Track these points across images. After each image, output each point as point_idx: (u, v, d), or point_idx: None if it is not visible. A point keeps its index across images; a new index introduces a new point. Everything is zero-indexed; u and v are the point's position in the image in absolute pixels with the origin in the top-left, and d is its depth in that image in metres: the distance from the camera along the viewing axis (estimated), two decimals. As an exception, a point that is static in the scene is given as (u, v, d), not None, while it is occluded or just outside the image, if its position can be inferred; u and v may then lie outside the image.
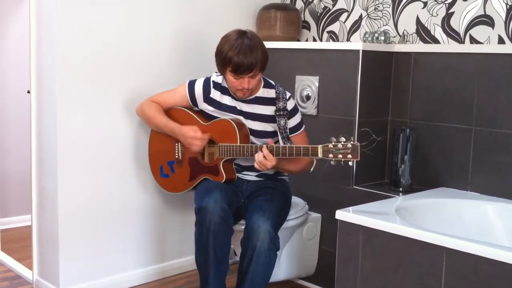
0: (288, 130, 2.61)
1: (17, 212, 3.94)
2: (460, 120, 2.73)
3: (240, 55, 2.45)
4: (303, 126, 2.70)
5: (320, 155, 2.38)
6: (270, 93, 2.65)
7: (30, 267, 3.07)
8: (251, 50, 2.47)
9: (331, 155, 2.36)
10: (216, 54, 2.55)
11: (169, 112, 2.78)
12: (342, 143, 2.34)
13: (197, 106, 2.73)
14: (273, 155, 2.46)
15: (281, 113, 2.61)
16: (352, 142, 2.33)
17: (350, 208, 2.31)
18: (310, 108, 3.05)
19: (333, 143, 2.36)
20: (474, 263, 1.87)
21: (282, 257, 2.88)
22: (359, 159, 2.34)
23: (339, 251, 2.27)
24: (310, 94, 3.04)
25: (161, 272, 3.18)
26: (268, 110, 2.64)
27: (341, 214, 2.25)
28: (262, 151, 2.46)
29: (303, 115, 2.80)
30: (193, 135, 2.61)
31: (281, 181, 2.75)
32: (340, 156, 2.34)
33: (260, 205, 2.52)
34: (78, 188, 2.83)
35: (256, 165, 2.50)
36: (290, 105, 2.64)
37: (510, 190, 2.58)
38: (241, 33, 2.53)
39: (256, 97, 2.65)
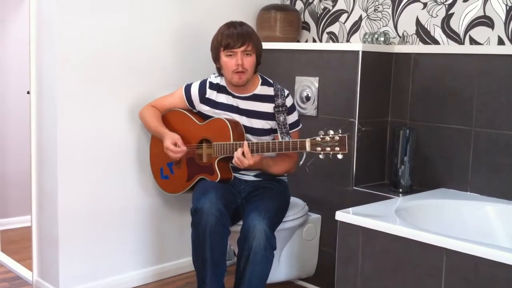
0: (288, 126, 2.62)
1: (17, 212, 3.93)
2: (460, 121, 2.73)
3: (230, 32, 2.54)
4: (300, 125, 2.72)
5: (308, 148, 2.38)
6: (268, 91, 2.66)
7: (30, 268, 3.06)
8: (242, 29, 2.55)
9: (319, 148, 2.36)
10: (211, 48, 2.62)
11: (167, 114, 2.80)
12: (330, 135, 2.34)
13: (195, 108, 2.75)
14: (262, 151, 2.47)
15: (280, 109, 2.62)
16: (339, 135, 2.33)
17: (350, 209, 2.31)
18: (310, 109, 3.05)
19: (321, 136, 2.36)
20: (474, 264, 1.87)
21: (281, 258, 2.88)
22: (346, 152, 2.33)
23: (339, 252, 2.27)
24: (310, 95, 3.04)
25: (160, 273, 3.18)
26: (267, 107, 2.65)
27: (341, 215, 2.25)
28: (242, 147, 2.47)
29: (302, 116, 2.80)
30: (167, 146, 2.65)
31: (279, 182, 2.75)
32: (328, 149, 2.34)
33: (257, 205, 2.52)
34: (78, 189, 2.83)
35: (234, 162, 2.50)
36: (288, 102, 2.66)
37: (510, 191, 2.58)
38: (230, 21, 2.62)
39: (254, 94, 2.66)
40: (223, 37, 2.55)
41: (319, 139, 2.36)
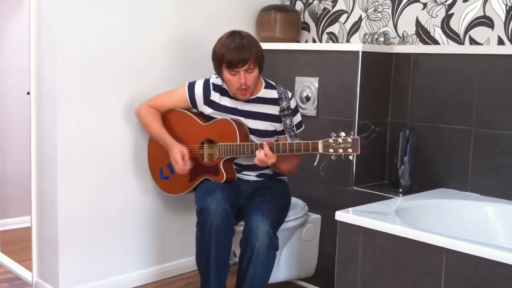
0: (295, 128, 2.62)
1: (16, 213, 3.93)
2: (460, 121, 2.73)
3: (232, 49, 2.49)
4: (303, 126, 2.73)
5: (320, 150, 2.39)
6: (272, 94, 2.66)
7: (29, 268, 3.06)
8: (242, 44, 2.51)
9: (331, 150, 2.37)
10: (212, 57, 2.59)
11: (168, 114, 2.78)
12: (342, 137, 2.35)
13: (197, 108, 2.74)
14: (273, 152, 2.47)
15: (286, 112, 2.62)
16: (352, 136, 2.35)
17: (350, 209, 2.31)
18: (310, 109, 3.05)
19: (333, 138, 2.37)
20: (474, 264, 1.87)
21: (281, 258, 2.88)
22: (359, 153, 2.35)
23: (339, 252, 2.27)
24: (310, 95, 3.05)
25: (161, 273, 3.18)
26: (272, 109, 2.65)
27: (341, 215, 2.25)
28: (263, 149, 2.47)
29: (302, 116, 2.80)
30: (176, 159, 2.63)
31: (280, 182, 2.75)
32: (341, 150, 2.35)
33: (259, 205, 2.52)
34: (78, 190, 2.83)
35: (256, 162, 2.51)
36: (293, 104, 2.67)
37: (510, 191, 2.58)
38: (233, 32, 2.57)
39: (258, 97, 2.65)
40: (225, 54, 2.49)
41: (332, 141, 2.37)
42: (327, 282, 2.93)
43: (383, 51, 2.92)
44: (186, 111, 2.75)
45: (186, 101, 2.73)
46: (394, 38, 3.02)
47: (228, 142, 2.58)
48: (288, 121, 2.62)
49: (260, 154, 2.47)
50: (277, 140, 2.68)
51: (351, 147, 2.34)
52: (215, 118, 2.67)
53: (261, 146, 2.48)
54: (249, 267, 2.44)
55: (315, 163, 2.47)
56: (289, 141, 2.57)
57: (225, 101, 2.67)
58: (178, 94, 2.76)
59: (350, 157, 2.37)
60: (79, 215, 2.84)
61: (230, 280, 2.63)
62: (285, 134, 2.65)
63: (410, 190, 2.79)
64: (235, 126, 2.58)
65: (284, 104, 2.63)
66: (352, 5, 3.18)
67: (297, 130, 2.67)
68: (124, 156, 2.97)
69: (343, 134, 2.36)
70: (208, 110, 2.69)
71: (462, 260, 1.90)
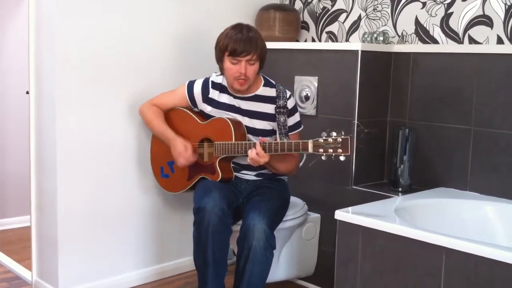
0: (287, 127, 2.61)
1: (16, 213, 3.93)
2: (459, 121, 2.73)
3: (238, 39, 2.50)
4: (301, 127, 2.71)
5: (310, 150, 2.37)
6: (271, 92, 2.66)
7: (29, 268, 3.06)
8: (249, 36, 2.52)
9: (321, 150, 2.34)
10: (215, 47, 2.60)
11: (168, 113, 2.79)
12: (333, 137, 2.33)
13: (197, 107, 2.74)
14: (265, 152, 2.46)
15: (281, 110, 2.62)
16: (342, 137, 2.32)
17: (350, 208, 2.31)
18: (309, 109, 3.05)
19: (323, 137, 2.35)
20: (474, 263, 1.87)
21: (281, 258, 2.88)
22: (349, 154, 2.32)
23: (339, 252, 2.27)
24: (309, 95, 3.05)
25: (160, 272, 3.18)
26: (269, 108, 2.65)
27: (341, 215, 2.25)
28: (255, 148, 2.47)
29: (302, 115, 2.80)
30: (181, 151, 2.64)
31: (279, 181, 2.75)
32: (331, 150, 2.33)
33: (257, 204, 2.52)
34: (77, 189, 2.82)
35: (249, 161, 2.51)
36: (290, 103, 2.65)
37: (509, 190, 2.58)
38: (238, 24, 2.59)
39: (256, 95, 2.65)
40: (229, 42, 2.50)
41: (322, 141, 2.35)
42: (327, 282, 2.93)
43: (382, 50, 2.92)
44: (185, 110, 2.75)
45: (186, 100, 2.74)
46: (393, 37, 3.02)
47: (224, 141, 2.58)
48: (282, 119, 2.61)
49: (252, 153, 2.47)
50: (275, 140, 2.68)
51: (341, 147, 2.31)
52: (214, 116, 2.67)
53: (254, 145, 2.48)
54: (247, 265, 2.44)
55: (301, 164, 2.45)
56: (279, 138, 2.57)
57: (224, 98, 2.67)
58: (178, 94, 2.77)
59: (341, 158, 2.32)
60: (78, 214, 2.83)
61: (229, 279, 2.63)
62: None
63: (409, 189, 2.79)
64: (231, 125, 2.58)
65: (281, 102, 2.62)
66: (351, 4, 3.18)
67: (294, 130, 2.66)
68: (123, 154, 2.97)
69: (334, 134, 2.33)
70: (207, 108, 2.69)
71: (462, 259, 1.90)
